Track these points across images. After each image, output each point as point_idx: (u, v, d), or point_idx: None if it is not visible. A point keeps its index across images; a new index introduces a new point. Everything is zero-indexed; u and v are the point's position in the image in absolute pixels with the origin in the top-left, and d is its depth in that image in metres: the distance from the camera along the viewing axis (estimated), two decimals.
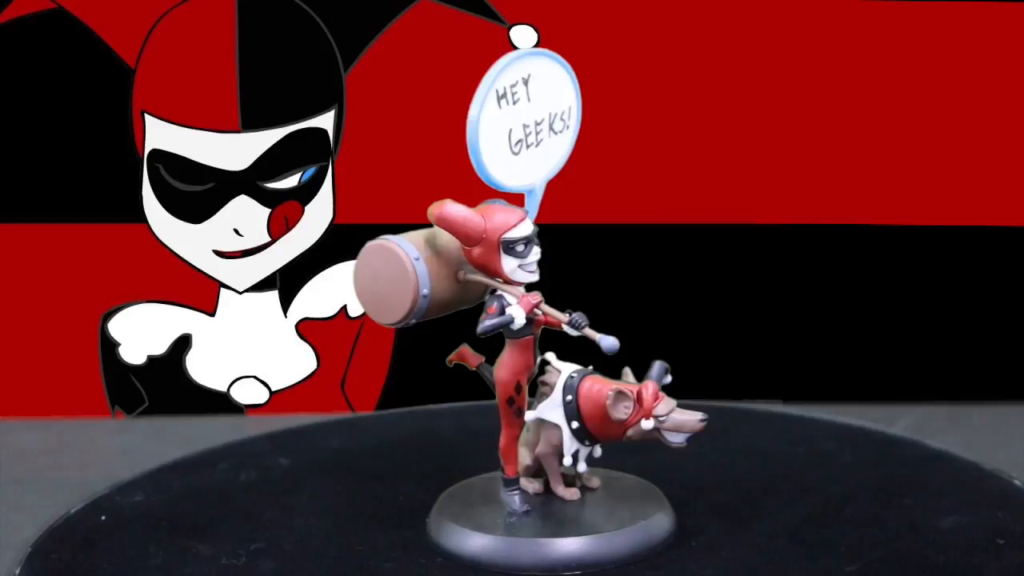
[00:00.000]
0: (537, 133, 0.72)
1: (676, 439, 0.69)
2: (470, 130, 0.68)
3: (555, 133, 0.73)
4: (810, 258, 1.24)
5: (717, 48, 1.22)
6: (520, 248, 0.68)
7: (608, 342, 0.67)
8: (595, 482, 0.74)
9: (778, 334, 1.25)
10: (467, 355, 0.74)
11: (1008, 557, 0.69)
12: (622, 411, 0.69)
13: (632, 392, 0.68)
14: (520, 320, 0.68)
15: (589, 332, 0.68)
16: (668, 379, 0.70)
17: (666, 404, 0.68)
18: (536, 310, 0.69)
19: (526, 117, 0.71)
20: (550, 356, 0.73)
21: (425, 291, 0.70)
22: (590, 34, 1.21)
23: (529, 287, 0.70)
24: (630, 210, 1.22)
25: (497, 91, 0.69)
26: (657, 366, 0.70)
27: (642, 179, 1.24)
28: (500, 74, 0.70)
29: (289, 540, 0.75)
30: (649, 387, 0.69)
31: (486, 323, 0.69)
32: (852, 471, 0.84)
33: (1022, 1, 1.20)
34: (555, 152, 0.73)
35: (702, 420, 0.68)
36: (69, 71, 1.21)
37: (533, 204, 0.72)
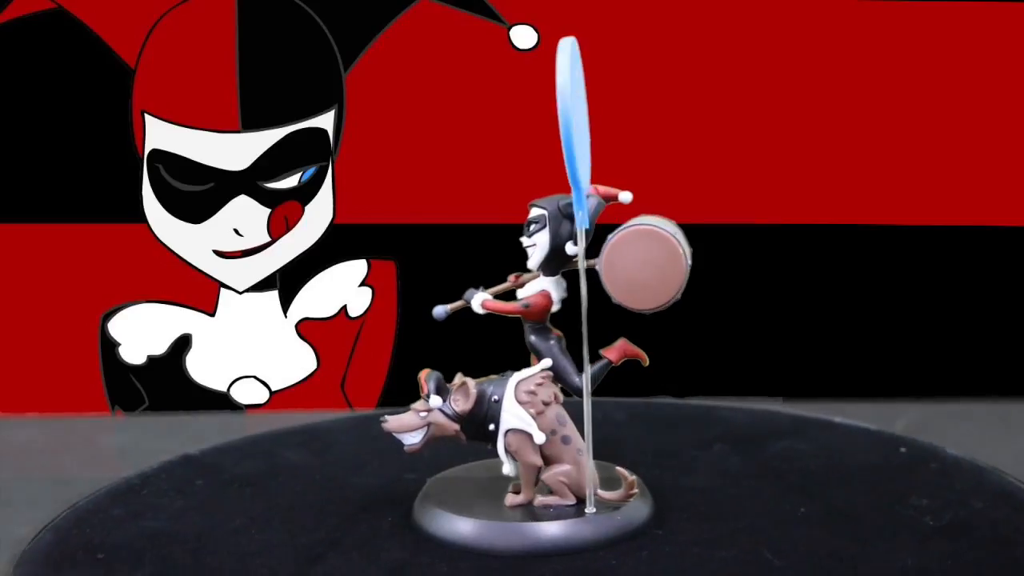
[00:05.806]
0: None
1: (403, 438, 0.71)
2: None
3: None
4: (810, 258, 1.24)
5: (717, 48, 1.22)
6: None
7: (436, 310, 0.74)
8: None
9: (778, 332, 1.25)
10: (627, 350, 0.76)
11: (1009, 553, 0.69)
12: None
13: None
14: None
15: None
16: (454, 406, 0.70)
17: (420, 403, 0.71)
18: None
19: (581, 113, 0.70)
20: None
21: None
22: (590, 34, 1.21)
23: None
24: (630, 209, 1.22)
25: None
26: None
27: (640, 179, 1.23)
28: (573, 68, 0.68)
29: (285, 536, 0.75)
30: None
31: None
32: (848, 469, 0.84)
33: (1022, 1, 1.20)
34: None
35: (382, 420, 0.71)
36: (69, 71, 1.21)
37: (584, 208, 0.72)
